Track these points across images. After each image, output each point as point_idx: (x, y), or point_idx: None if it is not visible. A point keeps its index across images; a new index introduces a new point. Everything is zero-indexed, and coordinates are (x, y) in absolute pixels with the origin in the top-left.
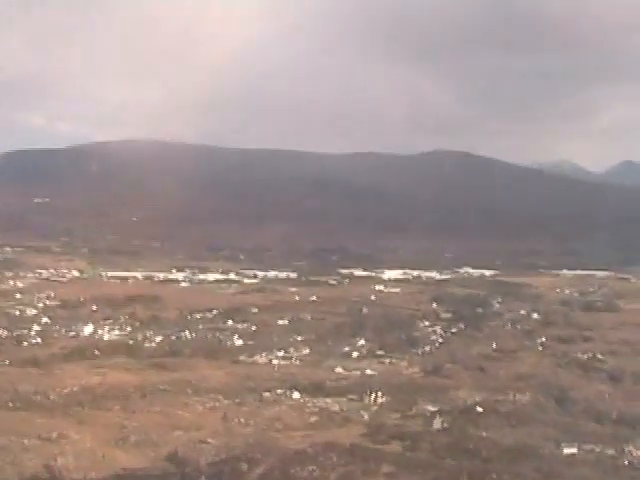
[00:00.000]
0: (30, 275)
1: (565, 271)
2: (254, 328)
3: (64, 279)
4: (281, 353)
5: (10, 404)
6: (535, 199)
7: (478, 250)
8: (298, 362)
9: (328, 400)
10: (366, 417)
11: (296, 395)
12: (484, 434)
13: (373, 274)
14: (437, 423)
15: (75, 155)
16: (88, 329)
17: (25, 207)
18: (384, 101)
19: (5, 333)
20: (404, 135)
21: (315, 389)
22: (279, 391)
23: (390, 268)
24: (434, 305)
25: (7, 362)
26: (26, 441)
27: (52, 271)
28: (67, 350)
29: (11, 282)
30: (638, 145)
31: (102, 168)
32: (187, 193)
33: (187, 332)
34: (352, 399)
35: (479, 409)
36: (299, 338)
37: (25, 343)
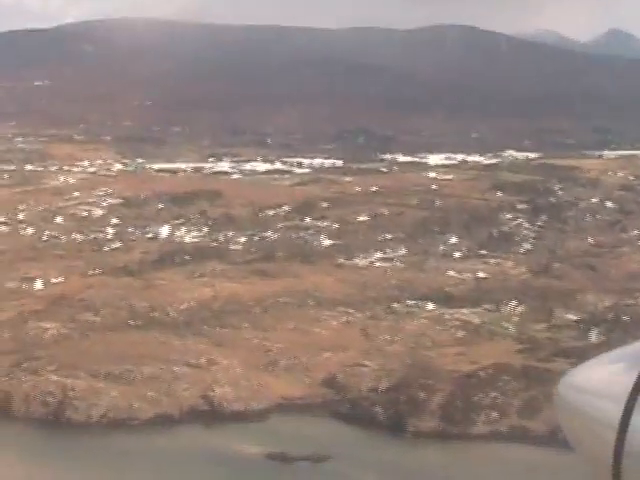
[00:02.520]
0: (75, 170)
1: (607, 152)
2: (336, 226)
3: (113, 173)
4: (379, 254)
5: (131, 322)
6: (537, 73)
7: (502, 129)
8: (400, 264)
9: (464, 311)
10: (511, 329)
11: (430, 306)
12: None
13: (417, 159)
14: (594, 336)
15: (65, 35)
16: (164, 230)
17: (27, 91)
18: None
19: (80, 237)
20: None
21: (446, 298)
22: (409, 302)
23: (430, 152)
24: (499, 194)
25: (98, 271)
26: (176, 368)
27: (89, 163)
28: (155, 255)
29: (61, 178)
30: (624, 12)
31: (97, 49)
32: (192, 74)
33: (270, 232)
34: (488, 309)
35: (625, 318)
36: (388, 236)
37: (106, 248)
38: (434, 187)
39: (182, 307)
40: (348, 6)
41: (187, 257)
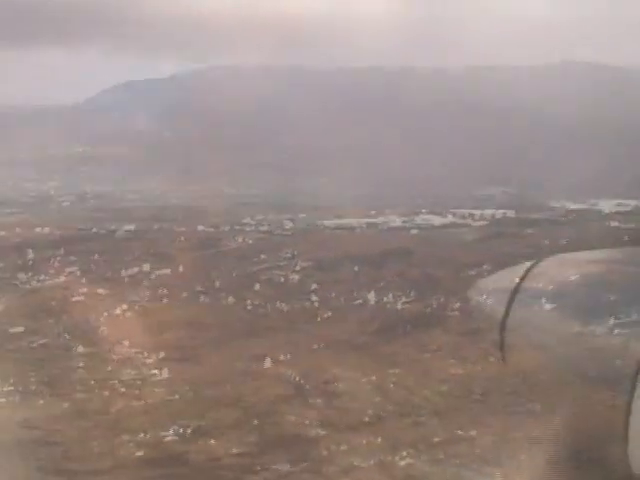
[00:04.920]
0: (247, 229)
1: None
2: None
3: (288, 232)
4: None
5: (389, 407)
6: None
7: None
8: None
9: None
10: None
11: None
12: None
13: (587, 207)
14: None
15: (183, 84)
16: (371, 296)
17: (158, 143)
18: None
19: (284, 306)
20: (496, 46)
21: None
22: None
23: (597, 197)
24: None
25: (322, 345)
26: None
27: (252, 219)
28: (373, 325)
29: (239, 239)
30: None
31: (220, 98)
32: (322, 121)
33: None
34: None
35: None
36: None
37: (318, 318)
38: (626, 238)
39: (442, 389)
40: (467, 44)
41: (408, 326)
